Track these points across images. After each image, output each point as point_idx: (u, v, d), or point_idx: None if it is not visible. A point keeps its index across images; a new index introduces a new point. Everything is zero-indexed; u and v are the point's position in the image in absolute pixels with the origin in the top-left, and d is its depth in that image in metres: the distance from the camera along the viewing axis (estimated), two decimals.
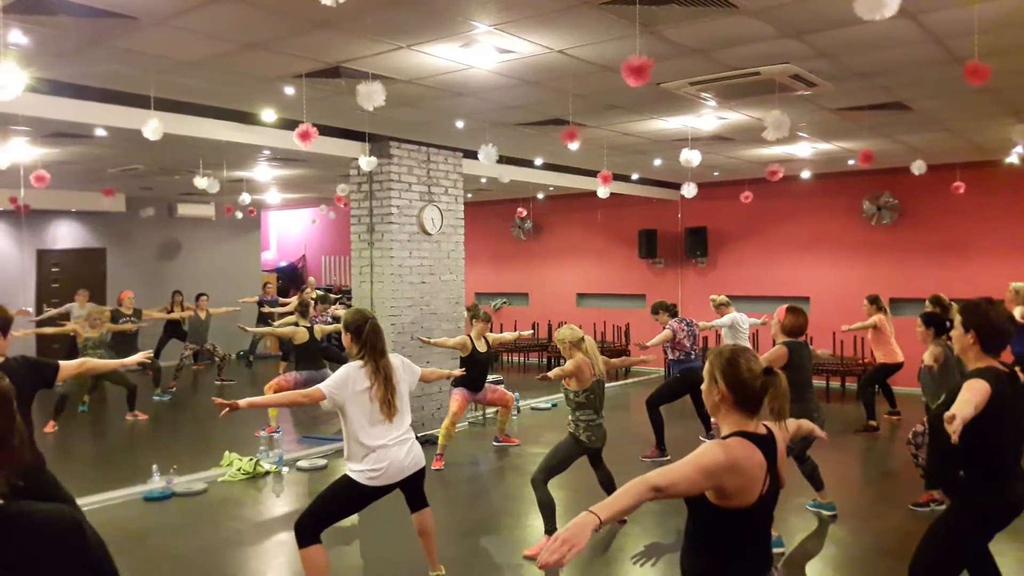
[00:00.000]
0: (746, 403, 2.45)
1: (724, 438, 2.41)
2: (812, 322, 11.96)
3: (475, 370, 7.77)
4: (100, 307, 10.73)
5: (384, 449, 3.99)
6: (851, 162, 10.66)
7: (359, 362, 4.05)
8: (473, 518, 6.12)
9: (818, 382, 11.84)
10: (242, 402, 3.86)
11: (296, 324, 9.15)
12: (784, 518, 5.29)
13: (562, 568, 3.95)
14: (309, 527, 3.99)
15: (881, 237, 12.04)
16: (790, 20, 4.93)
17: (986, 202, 11.10)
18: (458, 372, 5.77)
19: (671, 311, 8.33)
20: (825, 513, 5.88)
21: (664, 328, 8.13)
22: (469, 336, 7.84)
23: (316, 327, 9.15)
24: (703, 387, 2.55)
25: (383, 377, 4.03)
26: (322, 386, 3.99)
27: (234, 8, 4.57)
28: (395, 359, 4.21)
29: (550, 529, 5.09)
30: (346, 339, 4.13)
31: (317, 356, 9.02)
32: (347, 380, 3.99)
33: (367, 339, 4.06)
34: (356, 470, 4.00)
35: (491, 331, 8.31)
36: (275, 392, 8.51)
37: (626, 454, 7.45)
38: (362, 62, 5.66)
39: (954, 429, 2.82)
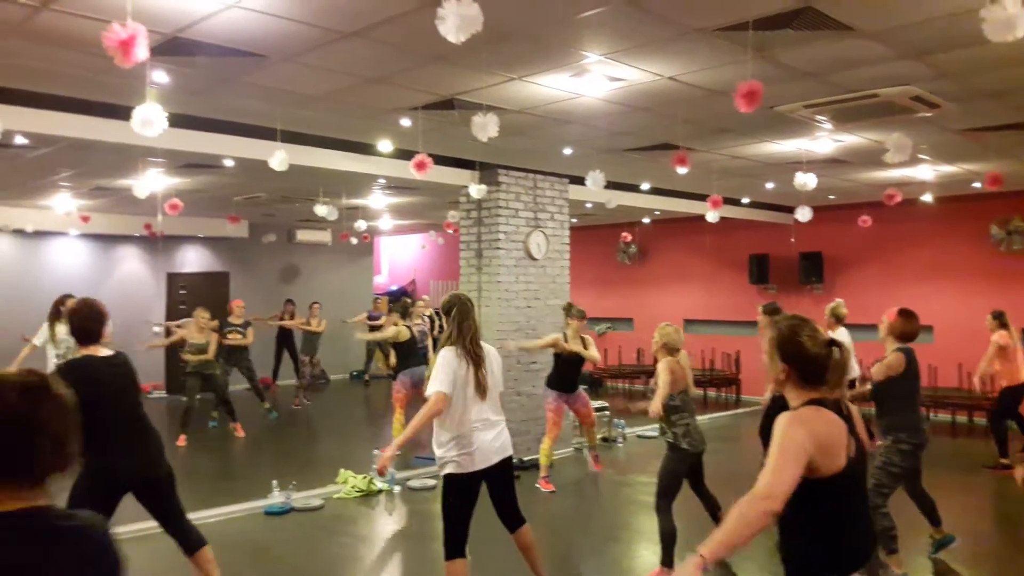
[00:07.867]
0: (809, 376, 2.40)
1: (795, 409, 2.35)
2: (936, 354, 11.55)
3: (569, 370, 7.69)
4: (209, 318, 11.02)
5: (472, 432, 4.10)
6: (976, 185, 10.15)
7: (448, 347, 4.17)
8: (578, 543, 6.10)
9: (943, 416, 11.36)
10: (389, 452, 4.23)
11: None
12: (905, 559, 5.04)
13: None
14: (450, 540, 4.15)
15: (1011, 264, 11.36)
16: (910, 41, 4.78)
17: None
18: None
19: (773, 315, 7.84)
20: (947, 547, 5.53)
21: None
22: (564, 334, 7.61)
23: (414, 328, 9.62)
24: (765, 362, 2.51)
25: (472, 355, 4.15)
26: (439, 387, 4.03)
27: (357, 45, 4.80)
28: (488, 347, 4.32)
29: (667, 561, 4.94)
30: (445, 322, 4.27)
31: (416, 354, 9.38)
32: (448, 364, 4.10)
33: (454, 318, 4.21)
34: (447, 460, 4.11)
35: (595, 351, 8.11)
36: (404, 405, 8.84)
37: (737, 487, 7.25)
38: (475, 94, 5.83)
39: None
